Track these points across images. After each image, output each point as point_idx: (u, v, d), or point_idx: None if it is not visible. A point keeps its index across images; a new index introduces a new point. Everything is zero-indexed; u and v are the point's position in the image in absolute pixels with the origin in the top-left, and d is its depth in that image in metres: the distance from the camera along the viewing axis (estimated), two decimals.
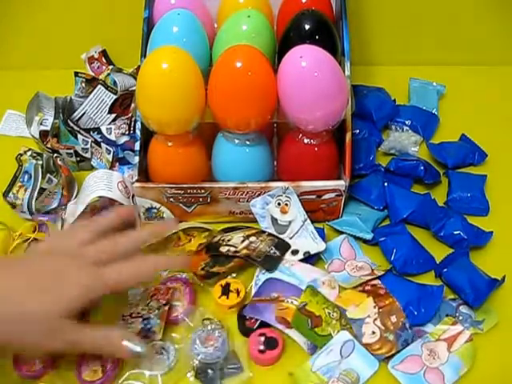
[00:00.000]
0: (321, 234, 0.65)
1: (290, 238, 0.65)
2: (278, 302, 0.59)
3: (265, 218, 0.66)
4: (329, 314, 0.58)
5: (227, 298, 0.60)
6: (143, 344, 0.52)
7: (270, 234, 0.65)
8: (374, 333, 0.57)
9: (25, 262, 0.53)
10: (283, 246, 0.64)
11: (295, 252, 0.64)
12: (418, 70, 0.86)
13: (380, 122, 0.79)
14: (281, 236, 0.65)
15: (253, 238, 0.64)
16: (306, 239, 0.65)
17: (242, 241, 0.64)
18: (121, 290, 0.57)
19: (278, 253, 0.63)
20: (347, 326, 0.58)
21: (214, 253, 0.63)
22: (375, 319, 0.58)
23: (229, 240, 0.65)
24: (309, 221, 0.65)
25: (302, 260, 0.63)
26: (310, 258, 0.64)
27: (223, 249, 0.63)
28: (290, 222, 0.66)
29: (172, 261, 0.61)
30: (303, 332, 0.57)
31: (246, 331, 0.58)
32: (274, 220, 0.66)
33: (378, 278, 0.62)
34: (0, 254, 0.64)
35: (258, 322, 0.59)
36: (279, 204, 0.65)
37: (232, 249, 0.63)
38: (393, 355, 0.56)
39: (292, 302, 0.59)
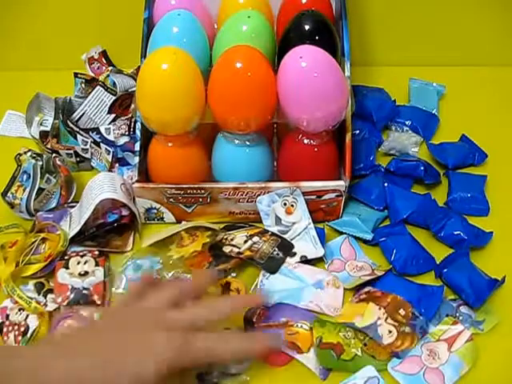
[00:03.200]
0: (321, 233, 0.65)
1: (291, 240, 0.65)
2: (287, 327, 0.58)
3: (269, 216, 0.66)
4: (344, 336, 0.57)
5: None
6: None
7: (273, 234, 0.65)
8: (390, 332, 0.57)
9: (99, 331, 0.48)
10: (286, 247, 0.64)
11: (292, 254, 0.64)
12: (418, 71, 0.86)
13: (380, 123, 0.79)
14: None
15: (256, 238, 0.64)
16: (306, 243, 0.64)
17: (245, 241, 0.64)
18: (204, 364, 0.52)
19: (280, 254, 0.63)
20: (366, 338, 0.57)
21: (217, 252, 0.63)
22: (386, 319, 0.58)
23: (232, 239, 0.64)
24: (312, 225, 0.65)
25: (303, 262, 0.63)
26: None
27: (226, 249, 0.63)
28: (293, 224, 0.66)
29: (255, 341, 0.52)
30: (334, 366, 0.55)
31: None
32: (278, 219, 0.66)
33: (378, 278, 0.62)
34: (12, 260, 0.63)
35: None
36: (285, 204, 0.65)
37: (235, 249, 0.63)
38: (393, 356, 0.56)
39: (302, 327, 0.58)
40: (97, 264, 0.63)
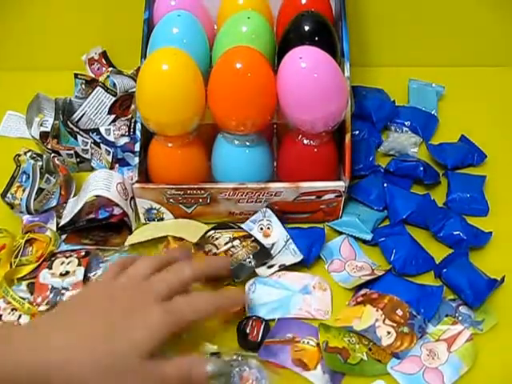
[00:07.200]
0: (321, 234, 0.66)
1: (272, 258, 0.64)
2: (293, 344, 0.57)
3: None
4: (349, 341, 0.57)
5: None
6: (220, 361, 0.51)
7: (254, 240, 0.64)
8: (389, 333, 0.57)
9: (88, 305, 0.49)
10: (263, 256, 0.63)
11: (271, 266, 0.63)
12: (418, 71, 0.86)
13: (379, 123, 0.79)
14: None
15: (236, 242, 0.64)
16: (286, 256, 0.64)
17: (226, 242, 0.64)
18: (192, 326, 0.53)
19: (253, 263, 0.62)
20: (371, 343, 0.57)
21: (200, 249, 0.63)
22: (384, 320, 0.58)
23: (217, 238, 0.64)
24: (291, 240, 0.65)
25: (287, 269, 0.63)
26: (310, 259, 0.64)
27: (207, 247, 0.63)
28: (273, 245, 0.65)
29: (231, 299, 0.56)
30: (341, 369, 0.55)
31: (249, 346, 0.56)
32: (258, 242, 0.65)
33: (378, 278, 0.62)
34: (6, 262, 0.64)
35: (261, 334, 0.57)
36: (261, 229, 0.66)
37: (214, 249, 0.63)
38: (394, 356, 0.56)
39: (308, 343, 0.57)
40: (79, 264, 0.62)
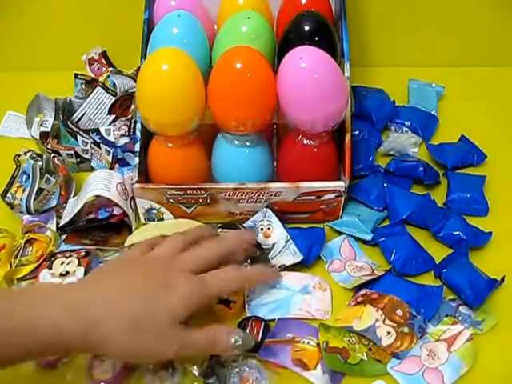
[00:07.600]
0: (321, 234, 0.66)
1: (272, 258, 0.64)
2: (293, 344, 0.57)
3: None
4: (349, 341, 0.57)
5: (229, 308, 0.59)
6: (244, 334, 0.53)
7: (256, 245, 0.64)
8: (389, 333, 0.57)
9: (124, 271, 0.53)
10: (260, 261, 0.63)
11: (271, 266, 0.63)
12: (418, 71, 0.86)
13: (379, 123, 0.79)
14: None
15: None
16: (286, 257, 0.64)
17: None
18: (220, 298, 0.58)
19: (248, 267, 0.62)
20: (370, 343, 0.57)
21: None
22: (384, 320, 0.58)
23: None
24: (291, 240, 0.65)
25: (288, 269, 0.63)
26: (310, 259, 0.64)
27: None
28: (273, 245, 0.65)
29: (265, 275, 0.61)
30: (340, 369, 0.55)
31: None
32: (259, 245, 0.65)
33: (378, 279, 0.62)
34: (6, 262, 0.64)
35: (261, 334, 0.57)
36: (262, 229, 0.66)
37: None
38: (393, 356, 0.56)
39: (308, 343, 0.57)
40: (79, 264, 0.62)
